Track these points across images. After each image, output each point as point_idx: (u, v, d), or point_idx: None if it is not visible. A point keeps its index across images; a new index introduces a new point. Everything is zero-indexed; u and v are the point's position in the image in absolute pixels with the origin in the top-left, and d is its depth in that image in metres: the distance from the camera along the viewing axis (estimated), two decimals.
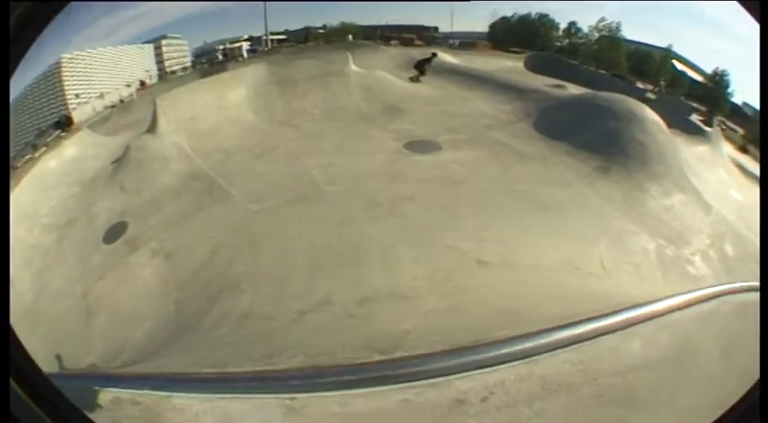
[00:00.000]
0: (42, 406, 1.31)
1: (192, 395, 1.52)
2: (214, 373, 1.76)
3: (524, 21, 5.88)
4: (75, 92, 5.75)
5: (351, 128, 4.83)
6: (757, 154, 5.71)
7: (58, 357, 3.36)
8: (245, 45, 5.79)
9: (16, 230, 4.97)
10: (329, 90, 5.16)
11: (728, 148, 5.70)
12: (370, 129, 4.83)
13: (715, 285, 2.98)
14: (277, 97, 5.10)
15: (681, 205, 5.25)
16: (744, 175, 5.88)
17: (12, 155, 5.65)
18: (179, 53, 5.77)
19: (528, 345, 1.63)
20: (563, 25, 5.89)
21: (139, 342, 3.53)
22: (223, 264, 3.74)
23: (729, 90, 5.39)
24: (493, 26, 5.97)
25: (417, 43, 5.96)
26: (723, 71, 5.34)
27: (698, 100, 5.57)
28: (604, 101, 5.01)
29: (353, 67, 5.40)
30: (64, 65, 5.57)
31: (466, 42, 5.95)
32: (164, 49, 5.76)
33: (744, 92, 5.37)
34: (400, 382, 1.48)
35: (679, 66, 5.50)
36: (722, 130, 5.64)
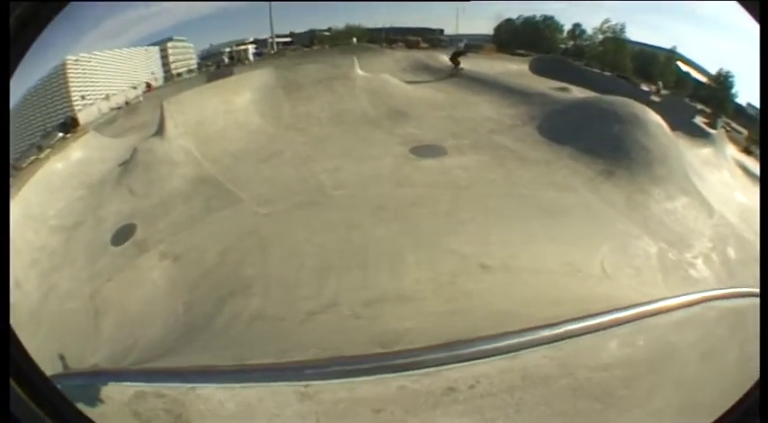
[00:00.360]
0: (42, 406, 1.35)
1: (214, 385, 1.77)
2: (234, 366, 2.03)
3: (529, 23, 6.11)
4: (80, 94, 6.01)
5: (357, 132, 5.10)
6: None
7: (63, 357, 3.61)
8: (251, 48, 6.06)
9: (23, 231, 5.24)
10: (335, 94, 5.42)
11: (732, 150, 5.91)
12: (376, 133, 5.09)
13: (700, 291, 3.14)
14: (283, 101, 5.36)
15: (684, 208, 5.45)
16: (747, 176, 6.10)
17: (17, 155, 5.93)
18: (185, 56, 6.04)
19: (509, 341, 1.92)
20: (567, 27, 6.12)
21: (150, 342, 3.75)
22: (233, 266, 4.00)
23: (734, 91, 5.61)
24: (498, 29, 6.21)
25: (423, 46, 6.21)
26: (727, 72, 5.55)
27: (702, 101, 5.79)
28: (608, 104, 5.24)
29: (359, 71, 5.66)
30: (69, 67, 5.82)
31: (472, 45, 6.19)
32: (170, 51, 6.02)
33: (748, 93, 5.59)
34: (399, 372, 1.76)
35: (683, 67, 5.72)
36: (726, 131, 5.86)
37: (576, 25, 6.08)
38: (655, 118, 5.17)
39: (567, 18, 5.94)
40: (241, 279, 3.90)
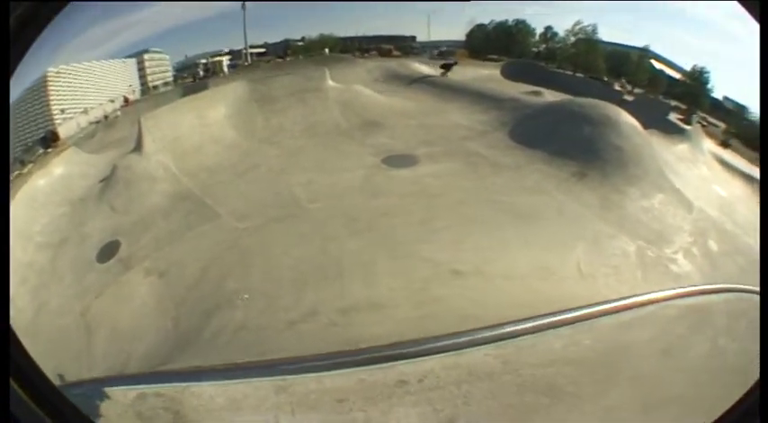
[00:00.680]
0: (42, 406, 1.43)
1: (205, 383, 2.19)
2: (222, 365, 2.47)
3: (501, 27, 6.42)
4: (60, 107, 6.32)
5: (330, 144, 5.49)
6: (740, 148, 6.30)
7: (62, 376, 4.03)
8: (226, 60, 6.38)
9: (11, 247, 5.61)
10: (308, 106, 5.79)
11: (710, 145, 6.27)
12: (349, 144, 5.49)
13: (662, 290, 3.39)
14: (257, 114, 5.75)
15: (661, 205, 5.82)
16: (726, 170, 6.46)
17: None
18: (161, 68, 6.36)
19: (454, 341, 2.35)
20: (540, 30, 6.42)
21: (142, 356, 4.15)
22: (216, 281, 4.43)
23: (709, 86, 5.95)
24: (470, 34, 6.51)
25: (395, 54, 6.54)
26: (702, 67, 5.89)
27: (677, 98, 6.13)
28: (579, 107, 5.62)
29: (330, 83, 6.02)
30: (50, 79, 6.09)
31: (447, 51, 6.52)
32: (146, 63, 6.35)
33: (724, 87, 5.93)
34: (358, 366, 2.19)
35: (657, 65, 6.05)
36: (703, 126, 6.22)
37: (548, 28, 6.40)
38: (627, 118, 5.54)
39: (539, 21, 6.26)
40: (224, 293, 4.33)
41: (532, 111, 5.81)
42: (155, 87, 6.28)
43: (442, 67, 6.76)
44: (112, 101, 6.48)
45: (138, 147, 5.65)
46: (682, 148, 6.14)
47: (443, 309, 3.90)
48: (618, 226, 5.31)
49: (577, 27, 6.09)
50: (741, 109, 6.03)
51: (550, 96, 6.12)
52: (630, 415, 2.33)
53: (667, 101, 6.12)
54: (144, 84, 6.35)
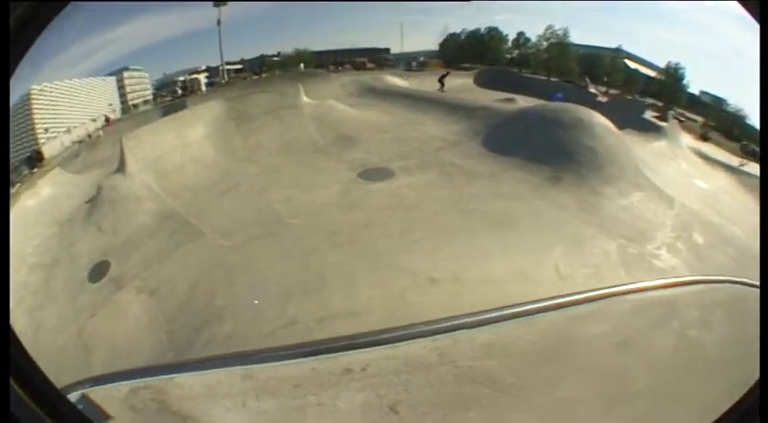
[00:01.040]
0: (42, 406, 1.46)
1: (185, 374, 2.73)
2: (199, 358, 3.03)
3: (473, 36, 6.84)
4: (44, 126, 6.81)
5: (306, 161, 6.02)
6: (720, 140, 6.76)
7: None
8: (203, 77, 6.85)
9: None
10: (284, 123, 6.29)
11: (688, 139, 6.73)
12: (326, 160, 6.03)
13: (616, 285, 3.85)
14: (235, 133, 6.25)
15: (640, 203, 6.26)
16: (707, 163, 6.89)
17: None
18: (141, 85, 6.86)
19: (392, 334, 2.81)
20: (512, 36, 6.83)
21: None
22: (205, 297, 5.00)
23: (684, 82, 6.39)
24: (443, 44, 6.94)
25: (369, 66, 6.97)
26: (677, 64, 6.33)
27: (653, 96, 6.58)
28: (551, 111, 6.09)
29: (305, 99, 6.48)
30: (33, 97, 6.58)
31: (423, 62, 6.95)
32: (126, 81, 6.85)
33: (699, 81, 6.36)
34: (310, 356, 2.62)
35: (631, 64, 6.48)
36: (681, 122, 6.67)
37: (520, 34, 6.81)
38: (600, 120, 6.00)
39: (511, 27, 6.66)
40: (213, 309, 4.90)
41: (504, 118, 6.26)
42: (134, 106, 6.77)
43: (440, 80, 7.20)
44: (94, 120, 6.98)
45: (122, 167, 6.18)
46: (659, 145, 6.60)
47: (416, 314, 4.40)
48: (597, 226, 5.74)
49: (549, 32, 6.51)
50: (718, 102, 6.46)
51: (524, 103, 6.56)
52: (589, 408, 2.44)
53: (643, 99, 6.55)
54: (124, 102, 6.85)
